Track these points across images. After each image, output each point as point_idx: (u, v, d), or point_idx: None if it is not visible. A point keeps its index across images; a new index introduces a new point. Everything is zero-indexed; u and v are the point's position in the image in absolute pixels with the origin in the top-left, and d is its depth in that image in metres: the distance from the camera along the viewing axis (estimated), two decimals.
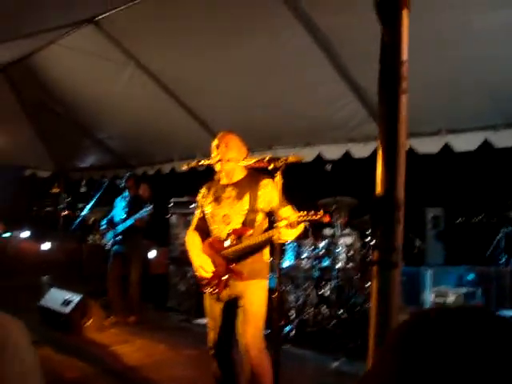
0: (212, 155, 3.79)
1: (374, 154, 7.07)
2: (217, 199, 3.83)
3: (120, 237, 7.23)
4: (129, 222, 7.10)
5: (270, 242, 3.68)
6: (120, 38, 6.71)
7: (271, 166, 3.04)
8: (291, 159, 3.09)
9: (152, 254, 8.84)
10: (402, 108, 1.67)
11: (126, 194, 7.41)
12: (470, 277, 6.84)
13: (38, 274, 9.14)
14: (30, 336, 1.34)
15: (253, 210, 3.68)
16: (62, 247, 10.30)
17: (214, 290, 3.74)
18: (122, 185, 7.42)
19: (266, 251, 3.79)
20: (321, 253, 6.74)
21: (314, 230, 6.88)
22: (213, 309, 3.83)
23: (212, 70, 6.77)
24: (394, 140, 1.67)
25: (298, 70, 6.24)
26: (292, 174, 3.26)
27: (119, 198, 7.55)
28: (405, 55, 1.68)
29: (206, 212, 3.89)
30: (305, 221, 3.37)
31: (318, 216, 3.32)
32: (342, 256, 6.60)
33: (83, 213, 8.32)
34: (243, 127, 7.33)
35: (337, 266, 6.50)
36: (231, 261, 3.68)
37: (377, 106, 6.00)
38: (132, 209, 7.19)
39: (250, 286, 3.67)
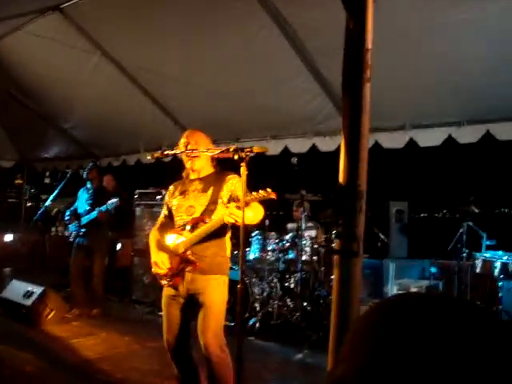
0: (180, 147, 3.77)
1: (340, 147, 7.11)
2: (183, 193, 3.85)
3: (83, 229, 7.11)
4: (93, 215, 6.99)
5: (226, 230, 3.68)
6: (86, 26, 6.62)
7: (236, 157, 3.03)
8: (256, 150, 3.08)
9: (117, 246, 8.75)
10: (365, 96, 1.67)
11: (89, 185, 7.28)
12: (433, 270, 6.95)
13: (0, 265, 8.99)
14: None
15: (214, 202, 3.69)
16: (24, 239, 10.13)
17: (170, 281, 3.71)
18: (85, 176, 7.27)
19: (227, 246, 3.77)
20: (286, 245, 6.77)
21: (278, 223, 6.92)
22: (170, 308, 3.79)
23: (179, 61, 6.73)
24: (357, 129, 1.67)
25: (266, 63, 6.24)
26: (258, 167, 3.26)
27: (82, 189, 7.41)
28: (369, 43, 1.69)
29: (172, 206, 3.89)
30: (253, 200, 3.37)
31: (265, 194, 3.35)
32: (307, 249, 6.64)
33: (46, 204, 8.18)
34: (210, 119, 7.36)
35: (301, 259, 6.53)
36: (187, 250, 3.66)
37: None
38: (96, 200, 7.08)
39: (210, 281, 3.64)
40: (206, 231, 3.61)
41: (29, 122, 9.62)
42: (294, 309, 6.37)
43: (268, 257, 6.80)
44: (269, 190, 3.36)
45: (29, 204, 11.64)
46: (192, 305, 3.70)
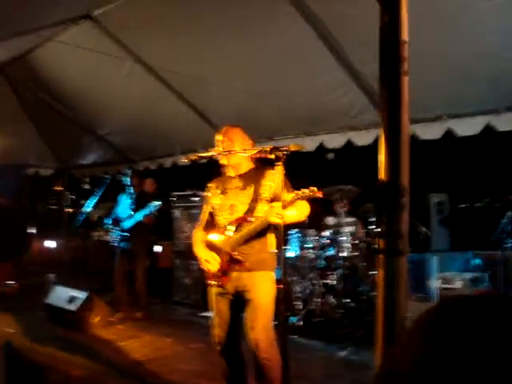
0: (216, 149, 3.77)
1: (375, 141, 7.03)
2: (224, 191, 3.85)
3: (127, 233, 7.22)
4: (136, 219, 7.08)
5: (270, 227, 3.66)
6: (117, 32, 6.68)
7: (273, 156, 3.01)
8: (292, 148, 3.06)
9: (157, 248, 8.83)
10: (403, 90, 1.63)
11: (131, 190, 7.37)
12: (476, 262, 6.82)
13: (44, 272, 9.16)
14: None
15: (256, 199, 3.68)
16: (66, 245, 10.30)
17: (218, 282, 3.72)
18: (127, 182, 7.35)
19: (272, 241, 3.74)
20: (325, 242, 6.72)
21: (317, 220, 6.87)
22: (219, 304, 3.80)
23: (211, 62, 6.73)
24: (397, 123, 1.63)
25: (297, 59, 6.19)
26: (294, 164, 3.24)
27: (123, 194, 7.51)
28: (405, 35, 1.64)
29: (214, 205, 3.90)
30: (298, 198, 3.37)
31: (311, 192, 3.33)
32: (347, 245, 6.58)
33: (87, 210, 8.30)
34: (244, 119, 7.33)
35: (341, 255, 6.48)
36: (233, 250, 3.67)
37: (377, 94, 5.97)
38: (138, 205, 7.17)
39: (256, 278, 3.64)
40: (251, 232, 3.63)
41: (66, 130, 9.79)
42: (337, 306, 6.32)
43: (308, 254, 6.76)
44: (314, 188, 3.34)
45: (69, 210, 11.81)
46: (240, 301, 3.70)
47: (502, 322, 0.64)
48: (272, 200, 3.65)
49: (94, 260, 9.28)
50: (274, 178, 3.61)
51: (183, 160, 3.78)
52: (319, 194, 3.38)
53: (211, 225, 3.93)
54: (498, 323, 0.64)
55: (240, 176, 3.83)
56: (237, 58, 6.51)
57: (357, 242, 6.65)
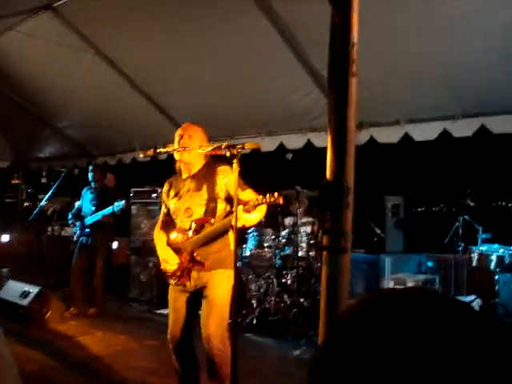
0: (174, 145, 3.77)
1: None
2: (177, 194, 3.84)
3: (87, 229, 7.15)
4: (98, 216, 7.02)
5: (230, 228, 3.67)
6: (79, 24, 6.58)
7: (228, 153, 3.02)
8: (248, 146, 3.08)
9: (114, 244, 8.74)
10: (351, 91, 1.66)
11: (93, 185, 7.31)
12: (429, 264, 6.96)
13: None
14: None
15: (212, 199, 3.68)
16: (21, 238, 10.12)
17: (178, 281, 3.72)
18: (90, 176, 7.29)
19: (231, 240, 3.76)
20: (282, 242, 6.76)
21: (274, 219, 6.92)
22: (177, 300, 3.79)
23: (173, 58, 6.70)
24: (343, 124, 1.66)
25: (260, 59, 6.22)
26: (254, 164, 3.26)
27: (85, 188, 7.43)
28: (354, 37, 1.67)
29: (169, 207, 3.90)
30: (260, 204, 3.38)
31: (273, 198, 3.34)
32: (303, 244, 6.64)
33: (41, 203, 8.17)
34: (205, 116, 7.32)
35: (298, 255, 6.53)
36: (194, 251, 3.67)
37: None
38: (101, 201, 7.11)
39: (215, 275, 3.65)
40: (212, 234, 3.64)
41: (23, 121, 9.60)
42: (291, 305, 6.37)
43: (264, 253, 6.80)
44: (276, 194, 3.35)
45: (26, 204, 11.61)
46: (198, 298, 3.71)
47: (420, 317, 0.66)
48: (227, 198, 3.67)
49: (49, 254, 9.14)
50: (226, 175, 3.63)
51: (141, 155, 3.75)
52: (280, 201, 3.39)
53: (170, 224, 3.92)
54: (416, 319, 0.66)
55: (192, 177, 3.82)
56: (200, 55, 6.49)
57: (313, 241, 6.72)
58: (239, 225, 3.34)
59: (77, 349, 5.61)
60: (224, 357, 3.51)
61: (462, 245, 6.61)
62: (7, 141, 10.81)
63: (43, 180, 9.64)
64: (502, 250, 6.18)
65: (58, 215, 8.90)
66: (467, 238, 6.69)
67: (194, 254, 3.66)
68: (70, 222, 7.45)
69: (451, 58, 5.29)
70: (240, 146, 3.00)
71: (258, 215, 3.58)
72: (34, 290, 6.41)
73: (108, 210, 6.92)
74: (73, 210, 7.47)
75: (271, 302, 6.44)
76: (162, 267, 3.82)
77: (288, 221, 7.16)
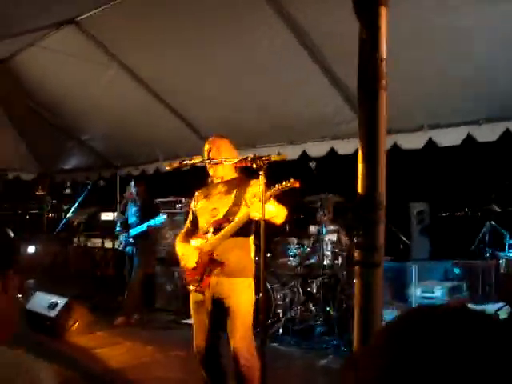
0: (204, 156, 3.79)
1: (357, 150, 7.09)
2: (207, 196, 3.90)
3: (132, 240, 7.46)
4: (141, 228, 7.32)
5: (250, 232, 3.72)
6: (102, 38, 6.65)
7: (254, 166, 3.02)
8: (274, 158, 3.08)
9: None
10: (381, 105, 1.66)
11: (136, 197, 7.64)
12: (455, 271, 6.88)
13: (24, 277, 9.07)
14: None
15: (237, 203, 3.71)
16: (47, 250, 10.20)
17: (197, 287, 3.73)
18: (133, 190, 7.63)
19: (251, 249, 3.78)
20: (307, 250, 6.74)
21: (299, 228, 6.90)
22: (198, 313, 3.81)
23: (196, 70, 6.74)
24: (374, 139, 1.66)
25: (282, 68, 6.23)
26: (277, 172, 3.26)
27: (129, 201, 7.76)
28: (383, 53, 1.67)
29: (196, 210, 3.95)
30: (277, 191, 3.40)
31: (289, 183, 3.39)
32: (328, 253, 6.61)
33: (68, 215, 8.27)
34: (227, 126, 7.36)
35: (323, 263, 6.51)
36: (212, 251, 3.69)
37: None
38: (144, 213, 7.43)
39: (236, 285, 3.65)
40: (231, 230, 3.64)
41: (48, 134, 9.71)
42: (317, 314, 6.34)
43: (289, 262, 6.78)
44: (292, 179, 3.38)
45: (50, 215, 11.72)
46: (219, 309, 3.70)
47: (462, 336, 0.66)
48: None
49: (75, 266, 9.21)
50: (257, 186, 3.64)
51: (166, 167, 3.78)
52: (296, 184, 3.43)
53: (193, 233, 3.95)
54: (461, 337, 0.66)
55: (224, 182, 3.87)
56: (222, 67, 6.53)
57: (338, 250, 6.69)
58: (257, 216, 3.34)
59: (103, 360, 5.65)
60: (251, 366, 3.53)
61: (490, 251, 6.53)
62: (32, 153, 10.93)
63: (67, 191, 9.74)
64: None
65: (84, 226, 8.97)
66: (494, 243, 6.61)
67: (213, 254, 3.67)
68: (117, 229, 7.80)
69: (475, 61, 5.24)
70: (266, 158, 3.00)
71: (275, 209, 3.57)
72: (61, 301, 6.45)
73: (152, 222, 7.20)
74: (120, 221, 7.83)
75: (297, 311, 6.42)
76: (182, 264, 3.86)
77: (312, 229, 7.14)
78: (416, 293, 6.17)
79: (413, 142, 6.48)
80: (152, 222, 7.21)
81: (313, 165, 6.23)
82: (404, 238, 6.97)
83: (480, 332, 0.67)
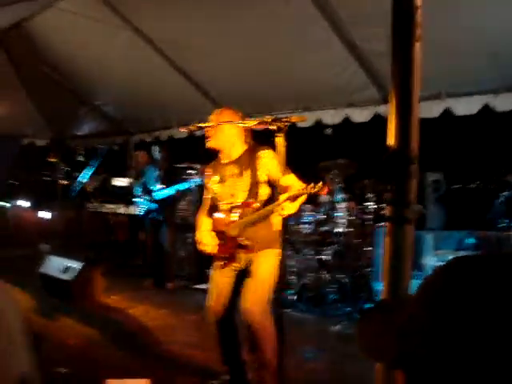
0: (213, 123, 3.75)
1: (373, 119, 7.03)
2: (222, 179, 3.84)
3: (155, 205, 7.38)
4: (172, 190, 7.24)
5: (271, 202, 3.67)
6: (116, 2, 6.59)
7: (274, 127, 2.96)
8: (294, 119, 3.01)
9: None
10: (416, 56, 1.62)
11: (158, 163, 7.56)
12: (471, 241, 6.84)
13: (39, 243, 9.15)
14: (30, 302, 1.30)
15: (255, 184, 3.67)
16: (61, 216, 10.27)
17: (225, 265, 3.76)
18: (157, 156, 7.54)
19: (277, 221, 3.70)
20: (321, 218, 6.72)
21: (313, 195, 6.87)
22: (222, 276, 3.81)
23: (210, 34, 6.65)
24: (408, 90, 1.62)
25: (298, 34, 6.14)
26: (291, 140, 3.21)
27: (149, 166, 7.67)
28: (419, 0, 1.62)
29: (214, 192, 3.91)
30: (303, 194, 3.36)
31: (317, 189, 3.33)
32: (342, 220, 6.59)
33: (82, 180, 8.28)
34: (241, 92, 7.32)
35: (336, 231, 6.50)
36: (239, 235, 3.68)
37: (376, 70, 5.93)
38: (169, 179, 7.36)
39: (261, 254, 3.66)
40: (255, 220, 3.63)
41: (61, 99, 9.68)
42: (330, 281, 6.36)
43: (303, 229, 6.77)
44: (320, 184, 3.34)
45: (63, 182, 11.75)
46: (243, 275, 3.72)
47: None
48: (269, 182, 3.65)
49: (89, 231, 9.27)
50: (267, 158, 3.60)
51: (182, 130, 3.73)
52: (324, 192, 3.41)
53: (213, 209, 3.94)
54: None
55: (234, 162, 3.80)
56: (237, 31, 6.44)
57: (352, 218, 6.67)
58: (283, 214, 3.34)
59: (118, 323, 5.71)
60: (265, 330, 3.54)
61: (506, 221, 6.47)
62: (45, 119, 10.92)
63: (80, 158, 9.74)
64: None
65: (98, 192, 9.00)
66: (510, 214, 6.55)
67: (241, 239, 3.66)
68: (138, 193, 7.63)
69: (493, 29, 5.14)
70: (287, 119, 2.93)
71: (298, 204, 3.52)
72: (76, 265, 6.49)
73: (184, 185, 7.17)
74: (138, 186, 7.69)
75: (310, 278, 6.44)
76: (199, 247, 3.87)
77: (325, 197, 7.10)
78: (431, 261, 6.15)
79: (429, 110, 6.39)
80: (182, 186, 7.14)
81: (329, 131, 6.18)
82: (419, 207, 6.92)
83: None
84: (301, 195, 3.37)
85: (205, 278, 7.11)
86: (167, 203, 7.35)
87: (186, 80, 7.84)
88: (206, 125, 3.71)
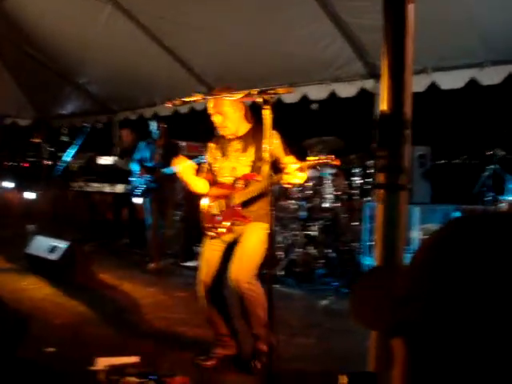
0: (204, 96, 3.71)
1: (359, 93, 7.01)
2: (224, 154, 3.90)
3: (156, 184, 7.02)
4: (171, 169, 6.92)
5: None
6: None
7: (260, 99, 2.92)
8: (281, 91, 3.00)
9: (138, 200, 8.73)
10: (409, 18, 1.58)
11: (156, 138, 7.11)
12: (457, 215, 6.87)
13: (24, 223, 9.07)
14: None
15: (258, 161, 3.72)
16: (46, 196, 10.18)
17: (216, 234, 3.81)
18: (155, 131, 7.05)
19: (269, 200, 3.77)
20: (308, 193, 6.71)
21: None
22: (213, 249, 3.88)
23: (194, 9, 6.56)
24: (401, 53, 1.59)
25: (283, 8, 6.08)
26: (277, 115, 3.20)
27: (143, 143, 7.31)
28: None
29: (214, 166, 3.97)
30: (315, 164, 3.48)
31: (329, 159, 3.45)
32: (329, 196, 6.59)
33: (66, 159, 8.17)
34: (226, 68, 7.26)
35: (324, 206, 6.50)
36: (240, 204, 3.76)
37: (362, 45, 5.88)
38: (167, 156, 6.94)
39: (252, 226, 3.73)
40: (257, 191, 3.68)
41: (44, 78, 9.56)
42: (318, 256, 6.37)
43: (290, 205, 6.76)
44: (332, 156, 3.44)
45: (47, 162, 11.64)
46: (233, 248, 3.79)
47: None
48: (272, 163, 3.67)
49: (75, 210, 9.20)
50: (272, 139, 3.61)
51: (167, 105, 3.69)
52: (336, 162, 3.51)
53: (209, 181, 3.99)
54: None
55: (239, 138, 3.87)
56: (222, 6, 6.35)
57: (339, 193, 6.67)
58: (291, 181, 3.46)
59: (106, 301, 5.67)
60: (253, 294, 3.64)
61: (491, 195, 6.50)
62: (28, 98, 10.79)
63: (64, 138, 9.61)
64: None
65: (83, 171, 8.91)
66: (496, 188, 6.58)
67: (240, 208, 3.75)
68: (136, 172, 7.22)
69: (481, 3, 5.12)
70: (273, 92, 2.90)
71: (305, 175, 3.64)
72: (62, 244, 6.44)
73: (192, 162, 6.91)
74: (134, 164, 7.28)
75: (297, 254, 6.45)
76: (203, 209, 3.94)
77: (312, 172, 7.08)
78: (417, 235, 6.18)
79: (415, 84, 6.35)
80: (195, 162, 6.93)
81: (315, 106, 6.15)
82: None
83: None
84: (312, 165, 3.49)
85: (193, 256, 7.15)
86: (169, 181, 6.94)
87: (170, 56, 7.75)
88: (191, 99, 3.65)
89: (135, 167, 7.23)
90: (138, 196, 7.25)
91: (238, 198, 3.75)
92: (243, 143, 3.83)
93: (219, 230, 3.81)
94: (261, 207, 3.74)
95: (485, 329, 0.58)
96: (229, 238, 3.83)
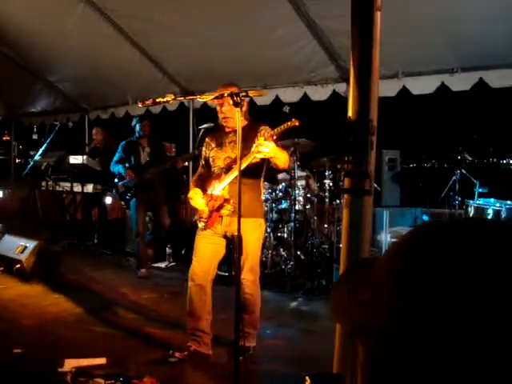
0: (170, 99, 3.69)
1: (331, 96, 7.07)
2: (220, 144, 4.03)
3: (144, 184, 6.76)
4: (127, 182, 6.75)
5: (260, 175, 3.97)
6: None
7: (231, 102, 2.94)
8: (252, 94, 3.03)
9: (107, 199, 8.67)
10: (376, 26, 1.61)
11: (135, 138, 6.86)
12: (424, 218, 6.98)
13: None
14: None
15: (247, 148, 3.70)
16: (15, 195, 10.04)
17: (206, 223, 3.92)
18: (139, 130, 6.79)
19: (261, 191, 4.04)
20: (279, 195, 6.74)
21: (271, 173, 6.88)
22: (207, 243, 3.99)
23: (166, 10, 6.53)
24: (368, 61, 1.61)
25: (256, 10, 6.09)
26: (250, 117, 3.22)
27: (125, 142, 6.97)
28: None
29: (209, 157, 4.10)
30: (280, 132, 3.56)
31: (290, 123, 3.54)
32: (300, 198, 6.63)
33: (35, 158, 8.06)
34: (199, 69, 7.25)
35: (294, 208, 6.53)
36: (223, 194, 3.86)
37: (335, 49, 5.92)
38: (155, 155, 6.83)
39: (247, 224, 3.71)
40: (235, 171, 3.72)
41: (14, 75, 9.41)
42: (288, 258, 6.40)
43: None
44: (293, 119, 3.53)
45: (17, 161, 11.50)
46: (226, 244, 4.05)
47: (481, 244, 0.63)
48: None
49: (44, 210, 9.08)
50: (266, 133, 3.70)
51: (139, 105, 3.67)
52: (297, 123, 3.57)
53: (206, 177, 4.11)
54: (479, 245, 0.63)
55: (235, 131, 3.81)
56: (196, 6, 6.33)
57: (309, 195, 6.72)
58: (260, 149, 3.47)
59: (75, 302, 5.60)
60: (254, 296, 4.02)
61: (459, 199, 6.62)
62: None
63: (34, 136, 9.50)
64: (498, 204, 6.19)
65: (53, 170, 8.79)
66: (464, 192, 6.70)
67: (223, 192, 3.86)
68: (123, 173, 6.79)
69: (448, 9, 5.19)
70: (243, 94, 2.93)
71: (285, 156, 3.71)
72: (30, 244, 6.37)
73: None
74: (116, 163, 6.90)
75: (268, 256, 6.46)
76: (191, 203, 4.06)
77: (283, 174, 7.11)
78: (386, 238, 6.25)
79: (386, 88, 6.45)
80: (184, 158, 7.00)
81: (286, 109, 6.15)
82: (375, 185, 7.01)
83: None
84: (278, 133, 3.57)
85: (163, 257, 7.15)
86: (161, 181, 6.84)
87: (143, 56, 7.71)
88: (164, 100, 3.65)
89: (120, 169, 6.84)
90: (128, 200, 6.86)
91: (220, 183, 3.86)
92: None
93: (204, 216, 3.91)
94: (251, 197, 3.85)
95: (447, 345, 0.59)
96: (220, 230, 3.94)
